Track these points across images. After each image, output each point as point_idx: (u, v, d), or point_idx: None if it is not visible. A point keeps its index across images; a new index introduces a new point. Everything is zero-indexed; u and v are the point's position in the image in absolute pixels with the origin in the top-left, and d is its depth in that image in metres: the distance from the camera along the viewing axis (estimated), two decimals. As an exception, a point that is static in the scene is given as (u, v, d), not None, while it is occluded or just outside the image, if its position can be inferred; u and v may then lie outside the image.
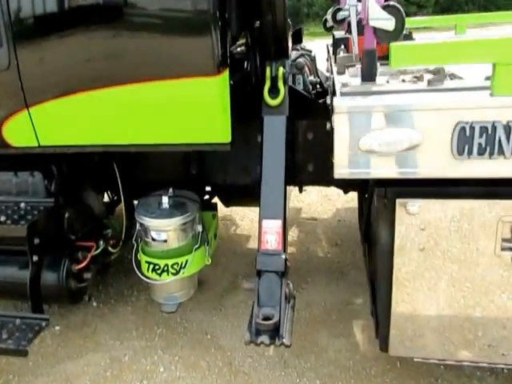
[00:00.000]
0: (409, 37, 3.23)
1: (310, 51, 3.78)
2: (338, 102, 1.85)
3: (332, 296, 3.51)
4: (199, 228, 2.85)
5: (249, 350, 2.92)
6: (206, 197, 3.58)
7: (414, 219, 1.97)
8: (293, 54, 3.41)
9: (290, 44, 2.91)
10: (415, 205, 1.95)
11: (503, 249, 1.93)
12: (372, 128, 1.80)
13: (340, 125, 1.83)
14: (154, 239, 2.73)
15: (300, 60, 2.78)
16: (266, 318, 2.25)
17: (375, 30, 2.04)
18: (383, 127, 1.79)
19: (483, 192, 1.89)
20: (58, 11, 2.34)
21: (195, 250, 2.77)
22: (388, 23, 1.98)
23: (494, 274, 1.97)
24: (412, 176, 1.84)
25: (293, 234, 4.59)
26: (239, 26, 2.60)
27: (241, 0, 2.50)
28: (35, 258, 2.66)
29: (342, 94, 2.03)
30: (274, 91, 2.64)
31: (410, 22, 4.86)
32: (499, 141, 1.72)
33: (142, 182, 3.37)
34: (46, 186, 2.76)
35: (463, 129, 1.73)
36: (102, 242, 3.02)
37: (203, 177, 3.33)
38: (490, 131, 1.71)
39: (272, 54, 2.68)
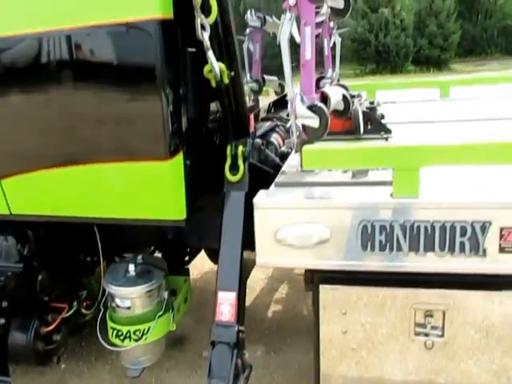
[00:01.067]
0: (374, 109, 3.39)
1: (287, 120, 3.96)
2: (257, 200, 2.04)
3: (308, 359, 3.58)
4: (165, 295, 3.01)
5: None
6: (187, 258, 3.76)
7: (336, 304, 2.11)
8: (265, 126, 3.60)
9: (252, 122, 3.07)
10: (337, 291, 2.10)
11: (417, 334, 2.06)
12: (286, 223, 1.97)
13: (259, 219, 2.01)
14: (118, 306, 2.90)
15: (257, 140, 2.96)
16: (215, 390, 2.37)
17: (303, 125, 2.23)
18: (296, 222, 1.96)
19: (397, 280, 2.03)
20: (14, 89, 2.61)
21: (158, 317, 2.92)
22: (313, 121, 2.16)
23: (409, 358, 2.08)
24: (324, 268, 2.00)
25: (282, 290, 4.71)
26: (197, 106, 2.71)
27: (198, 84, 2.60)
28: (2, 320, 2.81)
29: (276, 185, 2.23)
30: (234, 168, 2.82)
31: (383, 85, 5.08)
32: (397, 239, 1.87)
33: (122, 244, 3.56)
34: (19, 251, 2.91)
35: (365, 227, 1.89)
36: (75, 303, 3.19)
37: (179, 240, 3.51)
38: (388, 229, 1.87)
39: (232, 134, 2.87)
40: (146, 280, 2.93)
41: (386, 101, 4.76)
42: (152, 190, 2.54)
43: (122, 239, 3.53)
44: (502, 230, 1.79)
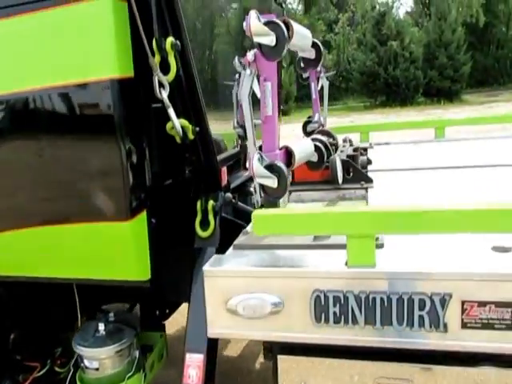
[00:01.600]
0: (356, 156, 3.31)
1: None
2: (207, 267, 1.94)
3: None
4: (136, 354, 2.89)
5: None
6: (167, 311, 3.66)
7: (295, 375, 1.98)
8: (245, 175, 3.53)
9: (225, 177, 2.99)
10: (296, 362, 1.97)
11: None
12: (237, 292, 1.86)
13: (209, 287, 1.90)
14: (87, 367, 2.79)
15: (228, 194, 2.87)
16: None
17: (262, 186, 2.14)
18: (247, 291, 1.85)
19: (358, 352, 1.89)
20: None
21: (128, 378, 2.80)
22: (271, 181, 2.07)
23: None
24: (276, 339, 1.88)
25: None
26: (162, 163, 2.66)
27: (163, 139, 2.54)
28: None
29: (235, 247, 2.14)
30: (205, 223, 2.74)
31: (377, 126, 4.99)
32: (352, 311, 1.74)
33: (100, 298, 3.47)
34: None
35: (319, 297, 1.77)
36: (48, 362, 3.09)
37: (158, 295, 3.41)
38: (342, 301, 1.74)
39: (202, 189, 2.79)
40: (116, 340, 2.81)
41: (379, 142, 4.72)
42: (114, 250, 2.46)
43: (100, 294, 3.44)
44: (463, 303, 1.65)
